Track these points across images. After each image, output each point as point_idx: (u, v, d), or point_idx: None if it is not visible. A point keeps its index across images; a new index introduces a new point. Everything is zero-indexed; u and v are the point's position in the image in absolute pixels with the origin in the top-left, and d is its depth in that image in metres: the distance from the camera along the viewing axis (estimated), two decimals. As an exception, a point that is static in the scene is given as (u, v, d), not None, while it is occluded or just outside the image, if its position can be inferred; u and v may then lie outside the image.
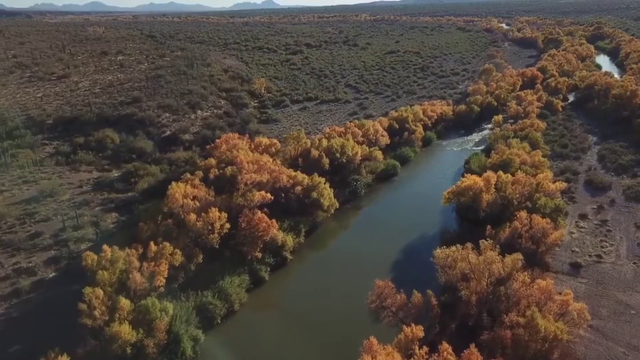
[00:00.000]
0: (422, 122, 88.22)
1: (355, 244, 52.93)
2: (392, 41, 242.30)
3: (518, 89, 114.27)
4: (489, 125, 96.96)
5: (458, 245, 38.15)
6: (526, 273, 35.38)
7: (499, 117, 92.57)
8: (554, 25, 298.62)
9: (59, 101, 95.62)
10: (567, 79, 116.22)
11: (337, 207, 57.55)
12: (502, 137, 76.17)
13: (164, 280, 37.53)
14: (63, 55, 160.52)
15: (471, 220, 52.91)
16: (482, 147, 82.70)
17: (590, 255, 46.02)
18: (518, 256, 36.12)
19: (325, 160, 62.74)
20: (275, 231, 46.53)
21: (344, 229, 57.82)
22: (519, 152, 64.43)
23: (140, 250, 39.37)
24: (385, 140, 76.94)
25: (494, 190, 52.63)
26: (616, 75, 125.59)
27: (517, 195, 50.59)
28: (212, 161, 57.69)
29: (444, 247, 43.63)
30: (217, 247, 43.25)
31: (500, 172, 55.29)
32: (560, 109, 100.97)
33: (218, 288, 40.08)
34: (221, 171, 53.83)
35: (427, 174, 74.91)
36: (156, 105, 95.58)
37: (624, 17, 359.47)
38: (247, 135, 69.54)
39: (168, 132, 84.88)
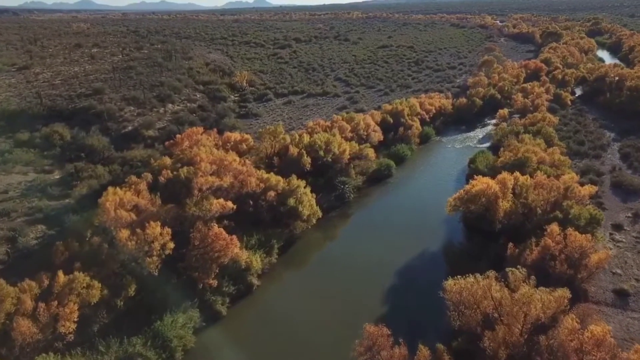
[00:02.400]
0: (419, 117, 78.29)
1: (341, 263, 42.66)
2: (385, 36, 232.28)
3: (522, 81, 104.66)
4: (493, 121, 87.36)
5: (477, 276, 27.95)
6: (573, 315, 25.33)
7: (505, 111, 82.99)
8: (550, 21, 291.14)
9: (10, 93, 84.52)
10: (574, 71, 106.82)
11: (320, 215, 47.31)
12: (511, 132, 66.42)
13: (74, 326, 27.09)
14: (32, 48, 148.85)
15: (483, 232, 43.13)
16: (487, 145, 72.95)
17: (637, 279, 36.27)
18: (564, 292, 26.11)
19: (307, 159, 52.66)
20: (237, 250, 36.30)
21: (328, 244, 47.70)
22: (535, 149, 54.67)
23: (47, 282, 28.91)
24: (377, 136, 66.89)
25: (511, 196, 42.80)
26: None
27: (542, 203, 40.69)
28: (167, 160, 47.31)
29: (453, 270, 34.26)
30: (157, 273, 32.77)
31: (518, 174, 45.49)
32: (569, 102, 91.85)
33: (154, 331, 29.76)
34: (175, 173, 43.40)
35: (426, 175, 64.87)
36: (120, 98, 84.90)
37: (619, 15, 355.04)
38: (214, 129, 59.10)
39: (129, 128, 74.26)
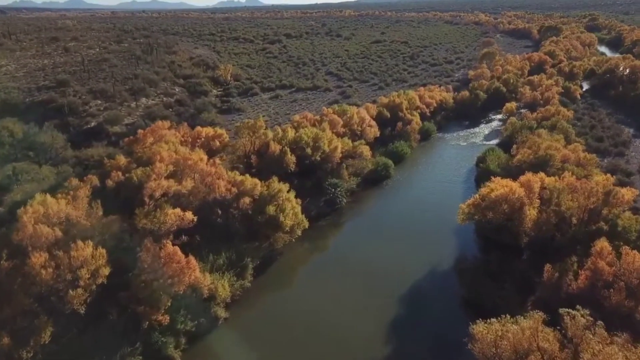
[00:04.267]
0: (418, 111, 70.53)
1: (330, 287, 34.46)
2: (378, 32, 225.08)
3: (526, 74, 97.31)
4: (498, 116, 79.99)
5: (522, 322, 20.02)
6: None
7: (512, 105, 75.54)
8: (545, 19, 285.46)
9: (-38, 86, 75.78)
10: (582, 63, 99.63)
11: (307, 225, 39.19)
12: (524, 127, 58.86)
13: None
14: (5, 41, 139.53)
15: (500, 246, 35.42)
16: (495, 141, 65.27)
17: None
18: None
19: (291, 158, 44.67)
20: (197, 274, 28.19)
21: (315, 261, 39.45)
22: (556, 145, 47.11)
23: None
24: (373, 132, 59.00)
25: (538, 202, 35.11)
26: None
27: (578, 211, 33.01)
28: (121, 160, 39.04)
29: (470, 294, 26.69)
30: (83, 311, 24.50)
31: (543, 175, 37.84)
32: (578, 96, 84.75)
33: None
34: (127, 175, 35.22)
35: (429, 177, 56.94)
36: (86, 91, 76.49)
37: (613, 12, 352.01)
38: (184, 124, 50.87)
39: (93, 123, 65.86)
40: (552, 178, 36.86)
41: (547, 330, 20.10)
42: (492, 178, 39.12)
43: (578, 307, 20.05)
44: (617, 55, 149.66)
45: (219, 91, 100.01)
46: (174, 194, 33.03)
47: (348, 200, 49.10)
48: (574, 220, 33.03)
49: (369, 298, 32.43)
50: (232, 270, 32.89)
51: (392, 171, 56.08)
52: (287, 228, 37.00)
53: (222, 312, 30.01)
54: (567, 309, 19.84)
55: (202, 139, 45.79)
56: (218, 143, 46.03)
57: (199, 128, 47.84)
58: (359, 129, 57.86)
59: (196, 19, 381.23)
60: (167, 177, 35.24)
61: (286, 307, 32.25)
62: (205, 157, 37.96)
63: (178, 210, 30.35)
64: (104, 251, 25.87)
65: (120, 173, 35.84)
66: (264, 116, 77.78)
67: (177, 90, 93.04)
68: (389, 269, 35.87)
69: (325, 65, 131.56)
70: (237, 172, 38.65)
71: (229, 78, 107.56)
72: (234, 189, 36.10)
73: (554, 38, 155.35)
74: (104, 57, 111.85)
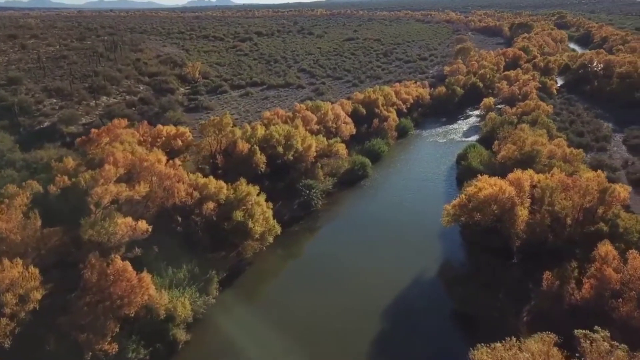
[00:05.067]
0: (395, 107, 67.75)
1: (305, 300, 31.02)
2: (350, 30, 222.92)
3: (502, 69, 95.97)
4: (476, 112, 78.01)
5: (530, 345, 16.99)
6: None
7: (490, 100, 73.62)
8: (514, 17, 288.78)
9: None
10: (557, 58, 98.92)
11: (279, 232, 35.69)
12: (505, 122, 56.65)
13: None
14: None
15: (490, 250, 32.61)
16: (475, 138, 63.04)
17: None
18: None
19: (261, 158, 41.04)
20: (152, 293, 24.40)
21: (288, 271, 35.85)
22: (542, 140, 44.87)
23: None
24: (349, 129, 55.89)
25: (529, 201, 32.47)
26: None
27: (573, 210, 30.48)
28: (69, 163, 34.69)
29: (461, 305, 23.80)
30: (8, 345, 20.43)
31: (532, 172, 35.34)
32: (555, 91, 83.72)
33: None
34: (74, 180, 30.99)
35: (408, 176, 54.04)
36: (41, 89, 71.10)
37: (579, 11, 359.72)
38: (143, 122, 46.57)
39: (46, 123, 60.77)
40: (542, 175, 34.34)
41: (557, 354, 17.14)
42: (479, 176, 36.36)
43: (597, 328, 17.13)
44: (588, 51, 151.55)
45: (187, 89, 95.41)
46: (126, 201, 29.01)
47: (324, 202, 45.76)
48: (569, 221, 30.49)
49: (348, 313, 29.13)
50: (194, 284, 29.12)
51: (370, 170, 53.04)
52: (256, 235, 33.43)
53: (182, 335, 26.20)
54: (584, 331, 16.91)
55: (163, 138, 41.69)
56: (180, 142, 42.01)
57: (159, 126, 43.69)
58: (334, 126, 54.63)
59: (165, 18, 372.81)
60: (120, 181, 31.24)
61: (254, 323, 28.64)
62: (164, 158, 33.96)
63: (129, 219, 26.38)
64: (36, 271, 21.81)
65: (65, 177, 31.57)
66: (233, 114, 73.98)
67: (141, 88, 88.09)
68: (370, 280, 32.68)
69: (297, 63, 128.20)
70: (200, 174, 34.80)
71: (197, 76, 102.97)
72: (196, 193, 32.30)
73: (526, 35, 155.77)
74: (63, 54, 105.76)
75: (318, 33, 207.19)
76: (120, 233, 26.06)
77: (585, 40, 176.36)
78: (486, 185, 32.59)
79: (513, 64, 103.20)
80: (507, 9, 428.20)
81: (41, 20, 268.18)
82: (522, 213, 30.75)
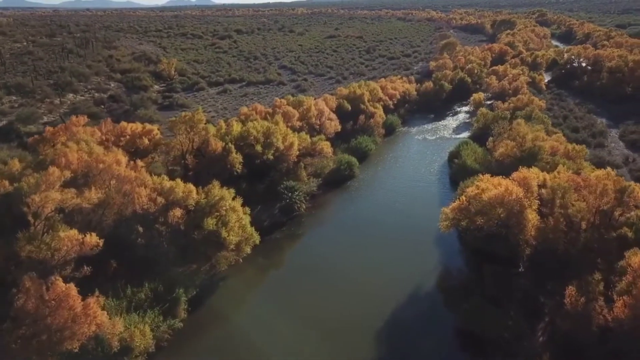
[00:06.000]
0: (381, 103, 64.16)
1: (286, 317, 27.00)
2: (331, 28, 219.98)
3: (489, 64, 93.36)
4: (465, 108, 75.04)
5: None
6: None
7: (480, 95, 70.62)
8: (495, 15, 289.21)
9: None
10: (544, 53, 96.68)
11: (258, 241, 31.54)
12: (498, 118, 53.49)
13: None
14: None
15: (493, 258, 29.08)
16: (466, 134, 59.70)
17: None
18: None
19: (237, 157, 36.94)
20: (102, 320, 20.15)
21: (268, 284, 31.75)
22: (542, 136, 41.71)
23: None
24: (334, 125, 52.06)
25: (537, 203, 29.00)
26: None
27: (588, 213, 27.09)
28: (15, 165, 30.11)
29: (466, 323, 20.42)
30: None
31: (538, 171, 31.97)
32: (544, 86, 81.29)
33: None
34: (16, 185, 26.48)
35: (397, 176, 50.31)
36: (-1, 85, 65.86)
37: (558, 10, 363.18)
38: (107, 119, 42.01)
39: (3, 122, 55.62)
40: (550, 174, 30.97)
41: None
42: (478, 175, 32.93)
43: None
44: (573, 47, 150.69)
45: (161, 86, 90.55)
46: (76, 209, 24.65)
47: (307, 205, 41.70)
48: (583, 225, 27.10)
49: (336, 335, 25.24)
50: (158, 305, 24.91)
51: (357, 170, 49.25)
52: (232, 245, 29.24)
53: (139, 369, 22.06)
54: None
55: (127, 137, 37.28)
56: (147, 141, 37.65)
57: (123, 124, 39.28)
58: (318, 122, 50.74)
59: (143, 17, 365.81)
60: (75, 186, 26.85)
61: (230, 351, 24.55)
62: (124, 159, 29.66)
63: (75, 232, 22.07)
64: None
65: (7, 182, 27.07)
66: (209, 112, 69.64)
67: (112, 85, 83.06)
68: (359, 293, 28.87)
69: (278, 60, 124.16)
70: (167, 177, 30.52)
71: (172, 73, 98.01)
72: (161, 199, 28.04)
73: (510, 31, 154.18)
74: (29, 49, 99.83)
75: (299, 31, 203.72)
76: (64, 249, 21.75)
77: (567, 37, 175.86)
78: (489, 186, 29.07)
79: (500, 59, 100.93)
80: (487, 8, 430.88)
81: (14, 19, 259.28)
82: (532, 217, 27.25)
